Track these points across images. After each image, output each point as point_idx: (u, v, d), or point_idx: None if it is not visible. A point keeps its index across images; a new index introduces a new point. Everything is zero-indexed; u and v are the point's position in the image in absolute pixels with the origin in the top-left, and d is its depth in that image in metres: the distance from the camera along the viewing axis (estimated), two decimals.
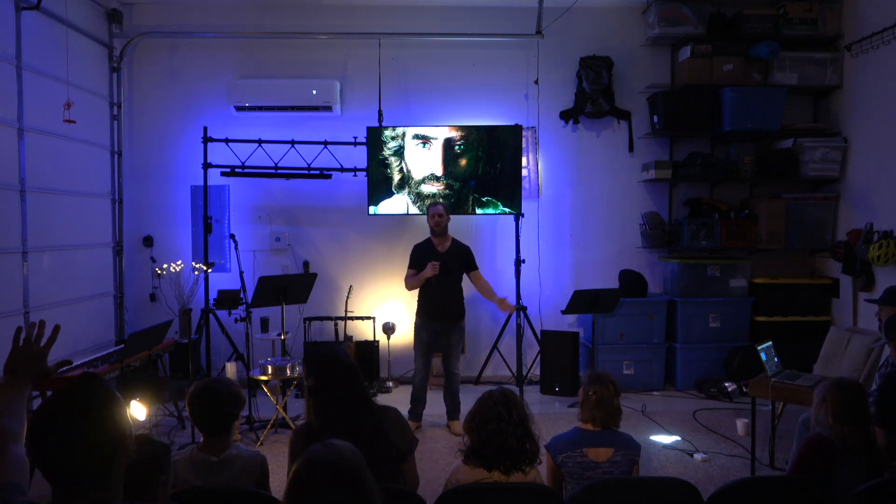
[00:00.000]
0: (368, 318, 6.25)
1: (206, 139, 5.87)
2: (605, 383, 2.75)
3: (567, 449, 2.69)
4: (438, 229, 4.94)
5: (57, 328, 1.74)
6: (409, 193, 5.98)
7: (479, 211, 6.04)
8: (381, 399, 5.79)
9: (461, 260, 4.98)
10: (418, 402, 4.99)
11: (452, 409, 4.95)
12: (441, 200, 5.47)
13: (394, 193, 6.00)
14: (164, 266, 5.96)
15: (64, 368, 1.98)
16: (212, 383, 2.48)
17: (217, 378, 2.59)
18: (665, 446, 4.62)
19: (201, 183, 5.91)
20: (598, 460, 2.65)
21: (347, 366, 2.52)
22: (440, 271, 4.81)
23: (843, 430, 2.62)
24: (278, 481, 3.93)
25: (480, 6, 6.26)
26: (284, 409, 4.88)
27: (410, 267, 5.01)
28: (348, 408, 2.46)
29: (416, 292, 5.05)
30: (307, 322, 6.13)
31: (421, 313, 4.99)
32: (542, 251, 6.44)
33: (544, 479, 2.78)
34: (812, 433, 2.76)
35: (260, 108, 6.14)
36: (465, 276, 5.10)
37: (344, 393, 2.46)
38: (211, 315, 5.83)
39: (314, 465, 1.53)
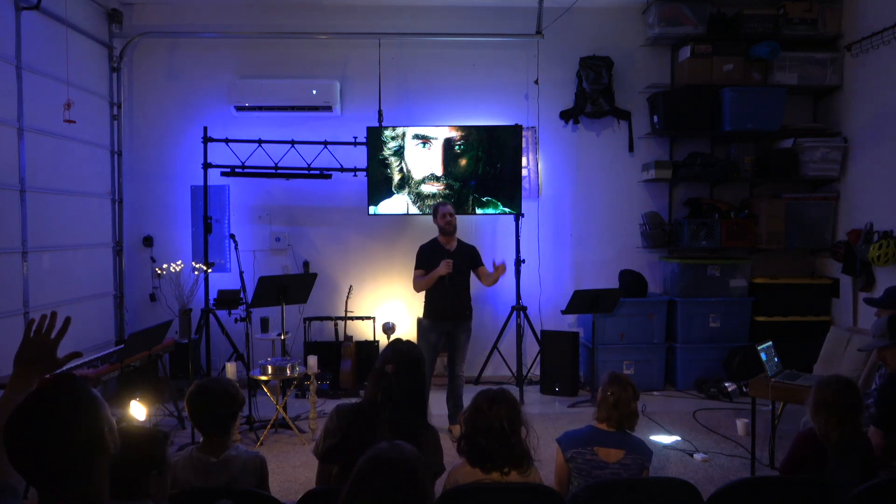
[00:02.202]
0: (368, 318, 6.25)
1: (206, 139, 5.87)
2: (625, 385, 2.75)
3: (578, 445, 2.70)
4: (449, 228, 4.90)
5: (68, 320, 1.75)
6: (409, 193, 5.98)
7: (479, 211, 6.04)
8: None
9: (469, 259, 4.97)
10: None
11: (454, 413, 4.90)
12: (448, 201, 5.44)
13: (394, 193, 6.00)
14: (164, 266, 5.96)
15: (73, 363, 1.99)
16: (210, 384, 2.47)
17: (215, 378, 2.59)
18: (665, 446, 4.63)
19: (201, 183, 5.91)
20: (608, 461, 2.66)
21: (424, 372, 2.56)
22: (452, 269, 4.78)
23: (825, 426, 2.63)
24: (278, 482, 3.94)
25: (480, 6, 6.26)
26: (284, 409, 4.88)
27: (418, 267, 4.93)
28: (411, 407, 2.47)
29: (421, 294, 5.00)
30: (307, 322, 6.14)
31: (430, 314, 4.90)
32: (542, 251, 6.44)
33: (552, 473, 2.79)
34: (805, 428, 2.77)
35: (260, 108, 6.14)
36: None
37: (414, 392, 2.49)
38: (211, 315, 5.83)
39: (377, 462, 1.55)
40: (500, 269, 4.92)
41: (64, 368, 1.83)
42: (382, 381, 2.47)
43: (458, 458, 2.48)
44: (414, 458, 1.59)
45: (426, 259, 4.91)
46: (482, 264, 5.05)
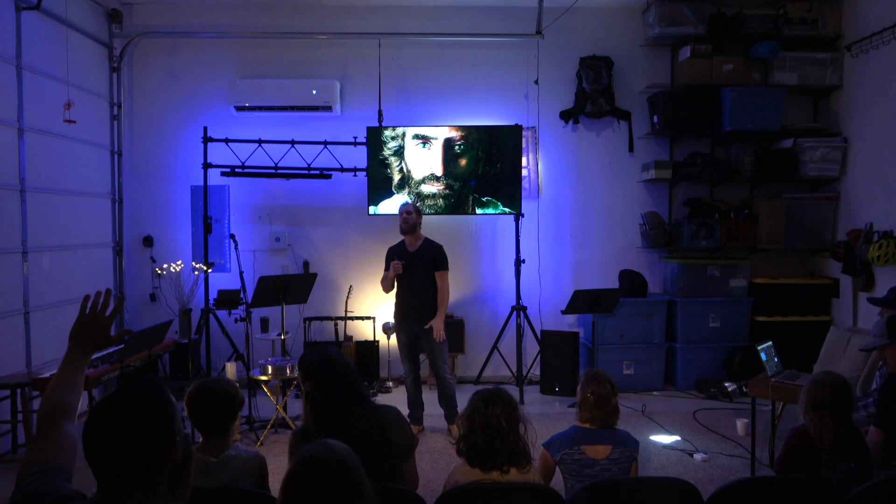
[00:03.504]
0: (368, 318, 6.25)
1: (206, 139, 5.87)
2: (603, 382, 2.75)
3: (565, 447, 2.71)
4: (406, 226, 4.90)
5: (122, 298, 1.78)
6: (409, 193, 5.98)
7: (479, 211, 6.04)
8: (381, 399, 5.79)
9: (430, 259, 4.90)
10: (416, 405, 4.96)
11: (450, 415, 4.87)
12: (411, 201, 5.45)
13: (394, 193, 6.00)
14: (164, 266, 5.97)
15: (121, 344, 1.99)
16: (208, 384, 2.47)
17: (214, 379, 2.58)
18: (665, 446, 4.62)
19: (201, 183, 5.92)
20: (597, 457, 2.67)
21: (342, 366, 2.51)
22: (403, 271, 4.78)
23: (820, 427, 2.62)
24: (278, 482, 3.92)
25: (480, 6, 6.26)
26: (284, 409, 4.88)
27: (386, 268, 5.00)
28: (346, 409, 2.45)
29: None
30: (307, 322, 6.13)
31: (396, 315, 4.98)
32: (542, 251, 6.44)
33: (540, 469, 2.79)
34: (798, 424, 2.76)
35: (260, 108, 6.14)
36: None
37: (340, 394, 2.45)
38: (211, 315, 5.83)
39: (307, 463, 1.53)
40: (435, 327, 4.82)
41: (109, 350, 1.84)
42: (310, 400, 2.46)
43: (458, 459, 2.48)
44: (343, 452, 1.56)
45: (389, 259, 4.97)
46: (443, 267, 4.90)
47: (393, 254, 4.97)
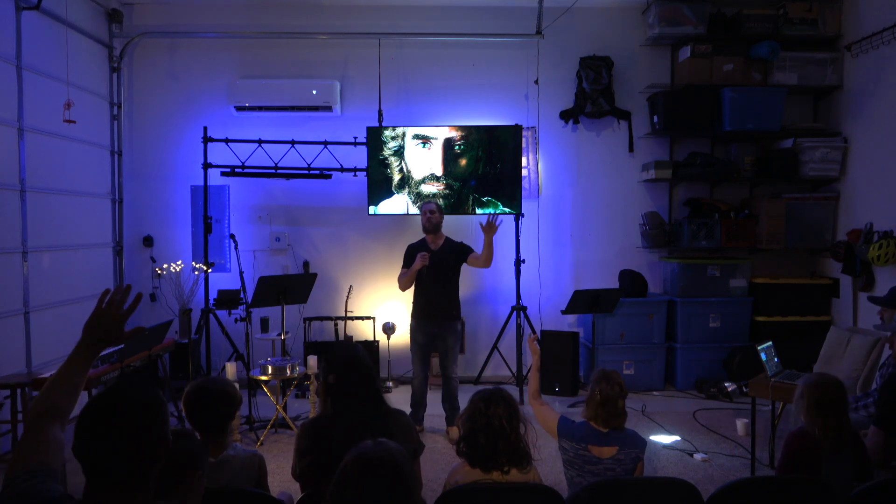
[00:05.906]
0: (368, 318, 6.25)
1: (206, 139, 5.87)
2: (612, 383, 2.74)
3: (572, 439, 2.74)
4: (430, 225, 4.89)
5: (139, 296, 1.77)
6: (409, 193, 5.98)
7: (479, 211, 6.04)
8: None
9: (455, 256, 4.91)
10: (419, 405, 4.94)
11: (452, 415, 4.86)
12: (434, 200, 5.47)
13: (394, 193, 6.00)
14: (164, 266, 5.97)
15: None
16: (206, 383, 2.47)
17: (212, 378, 2.58)
18: (665, 446, 4.63)
19: (201, 183, 5.91)
20: (602, 457, 2.69)
21: (367, 366, 2.56)
22: (430, 263, 4.75)
23: (823, 427, 2.62)
24: (278, 481, 3.94)
25: (480, 6, 6.26)
26: (284, 409, 4.88)
27: (403, 266, 4.97)
28: (364, 406, 2.48)
29: (411, 294, 5.00)
30: (307, 322, 6.13)
31: (415, 314, 4.91)
32: (542, 251, 6.44)
33: (552, 472, 2.80)
34: (795, 427, 2.76)
35: (260, 108, 6.14)
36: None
37: (362, 392, 2.50)
38: (211, 315, 5.83)
39: (365, 461, 1.56)
40: (490, 231, 4.71)
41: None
42: (330, 392, 2.48)
43: (458, 459, 2.48)
44: (399, 455, 1.58)
45: (410, 257, 4.93)
46: (472, 251, 4.95)
47: (416, 251, 4.91)
